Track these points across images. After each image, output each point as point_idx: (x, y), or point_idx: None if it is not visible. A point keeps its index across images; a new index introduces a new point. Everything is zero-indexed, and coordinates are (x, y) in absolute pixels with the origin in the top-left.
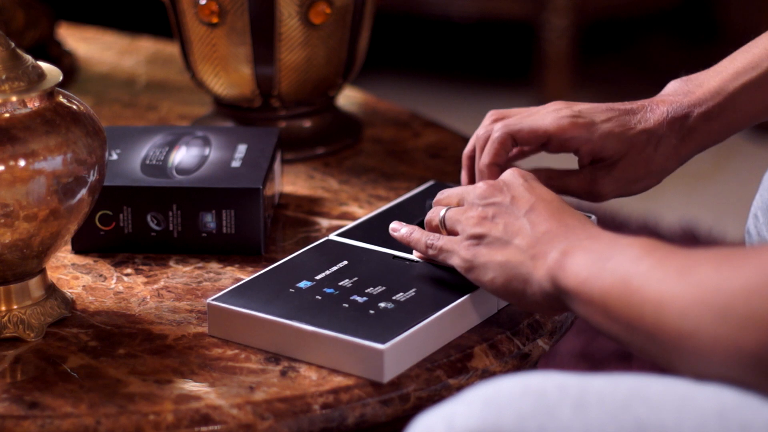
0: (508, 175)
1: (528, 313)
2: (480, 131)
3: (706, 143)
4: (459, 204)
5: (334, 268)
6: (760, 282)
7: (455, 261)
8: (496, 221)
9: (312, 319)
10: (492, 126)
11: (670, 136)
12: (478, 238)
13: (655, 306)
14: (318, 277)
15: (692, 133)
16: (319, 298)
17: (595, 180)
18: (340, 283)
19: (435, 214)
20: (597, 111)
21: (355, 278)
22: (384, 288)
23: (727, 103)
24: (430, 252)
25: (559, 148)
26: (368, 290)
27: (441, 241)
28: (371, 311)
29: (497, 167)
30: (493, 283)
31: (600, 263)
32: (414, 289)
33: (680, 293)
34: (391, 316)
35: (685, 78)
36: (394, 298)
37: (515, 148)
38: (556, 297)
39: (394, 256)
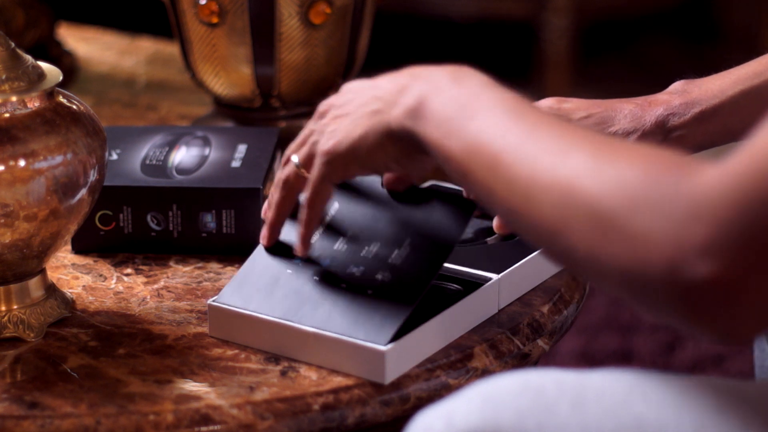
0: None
1: (528, 313)
2: None
3: (700, 145)
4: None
5: (327, 218)
6: (635, 178)
7: (318, 161)
8: (343, 104)
9: (313, 311)
10: None
11: (656, 134)
12: (322, 116)
13: (524, 189)
14: (313, 240)
15: (682, 133)
16: (317, 278)
17: None
18: (335, 247)
19: (288, 168)
20: (580, 108)
21: (349, 234)
22: (378, 245)
23: (724, 106)
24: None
25: None
26: (363, 253)
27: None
28: (369, 290)
29: None
30: (343, 143)
31: (463, 120)
32: (408, 241)
33: (551, 181)
34: (389, 299)
35: (689, 80)
36: (390, 261)
37: None
38: (412, 143)
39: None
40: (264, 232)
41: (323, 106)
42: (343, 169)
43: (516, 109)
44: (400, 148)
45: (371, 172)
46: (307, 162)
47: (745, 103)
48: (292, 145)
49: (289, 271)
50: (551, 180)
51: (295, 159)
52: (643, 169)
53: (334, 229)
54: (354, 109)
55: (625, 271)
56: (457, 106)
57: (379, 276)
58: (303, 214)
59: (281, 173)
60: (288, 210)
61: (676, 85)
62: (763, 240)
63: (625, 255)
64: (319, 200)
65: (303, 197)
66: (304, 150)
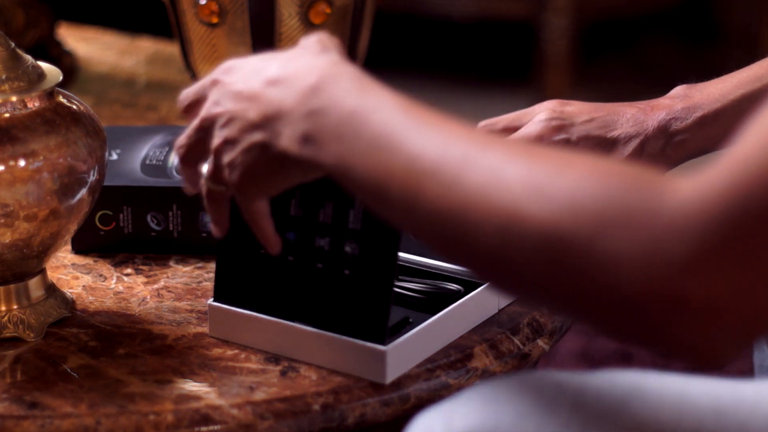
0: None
1: (528, 313)
2: None
3: (702, 149)
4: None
5: None
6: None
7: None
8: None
9: (305, 305)
10: None
11: (658, 139)
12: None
13: (454, 218)
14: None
15: (684, 138)
16: (291, 258)
17: None
18: (292, 213)
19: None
20: (583, 111)
21: (298, 194)
22: (331, 206)
23: (726, 110)
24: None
25: None
26: (321, 218)
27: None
28: (346, 270)
29: None
30: (246, 175)
31: (365, 149)
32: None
33: (488, 206)
34: (368, 279)
35: (690, 84)
36: (350, 226)
37: None
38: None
39: None
40: (213, 229)
41: (204, 114)
42: (261, 193)
43: (418, 119)
44: (298, 169)
45: (281, 190)
46: (216, 176)
47: (747, 107)
48: (182, 144)
49: (261, 251)
50: (487, 205)
51: (204, 171)
52: (603, 184)
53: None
54: (238, 136)
55: (592, 299)
56: (351, 130)
57: (348, 248)
58: (255, 233)
59: (202, 188)
60: (225, 212)
61: (678, 90)
62: (749, 254)
63: (591, 282)
64: (259, 218)
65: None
66: (210, 167)
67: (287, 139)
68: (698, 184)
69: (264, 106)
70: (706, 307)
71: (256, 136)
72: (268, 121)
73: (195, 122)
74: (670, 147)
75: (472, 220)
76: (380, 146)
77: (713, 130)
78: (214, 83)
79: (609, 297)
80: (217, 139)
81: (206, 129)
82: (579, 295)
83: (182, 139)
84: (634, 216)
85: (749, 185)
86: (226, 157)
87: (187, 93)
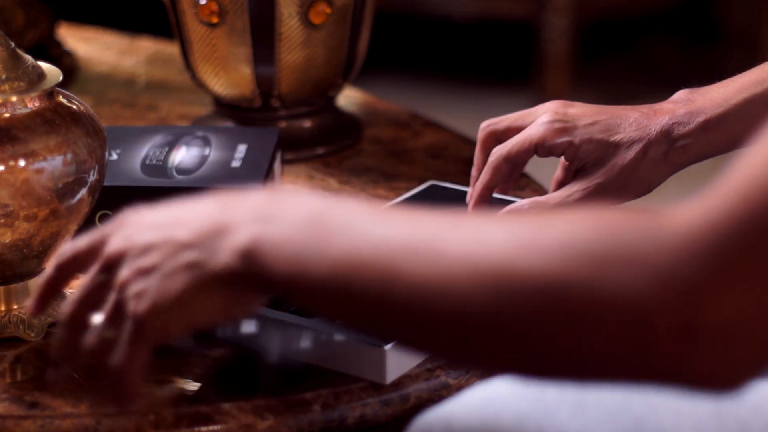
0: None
1: None
2: (477, 155)
3: (704, 153)
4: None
5: None
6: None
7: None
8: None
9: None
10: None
11: (661, 143)
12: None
13: (440, 289)
14: None
15: (687, 142)
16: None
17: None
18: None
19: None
20: (586, 114)
21: None
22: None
23: (728, 114)
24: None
25: (547, 154)
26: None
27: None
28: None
29: (489, 192)
30: (160, 304)
31: (321, 245)
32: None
33: (477, 272)
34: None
35: (693, 89)
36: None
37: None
38: (247, 286)
39: None
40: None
41: (110, 250)
42: (161, 332)
43: (378, 211)
44: (231, 293)
45: (190, 331)
46: (115, 316)
47: (749, 111)
48: (75, 299)
49: None
50: (474, 270)
51: (97, 320)
52: (594, 227)
53: None
54: (161, 261)
55: (600, 345)
56: (305, 233)
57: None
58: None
59: (86, 339)
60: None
61: (680, 94)
62: (760, 274)
63: (598, 326)
64: (134, 368)
65: (114, 362)
66: (108, 308)
67: (224, 255)
68: (701, 207)
69: (199, 224)
70: (721, 331)
71: (187, 256)
72: (205, 239)
73: (94, 268)
74: (673, 151)
75: (460, 289)
76: (342, 241)
77: (716, 135)
78: (121, 225)
79: (618, 339)
80: (125, 272)
81: (110, 268)
82: (586, 345)
83: (75, 294)
84: (633, 250)
85: (756, 203)
86: (136, 287)
87: (76, 245)
